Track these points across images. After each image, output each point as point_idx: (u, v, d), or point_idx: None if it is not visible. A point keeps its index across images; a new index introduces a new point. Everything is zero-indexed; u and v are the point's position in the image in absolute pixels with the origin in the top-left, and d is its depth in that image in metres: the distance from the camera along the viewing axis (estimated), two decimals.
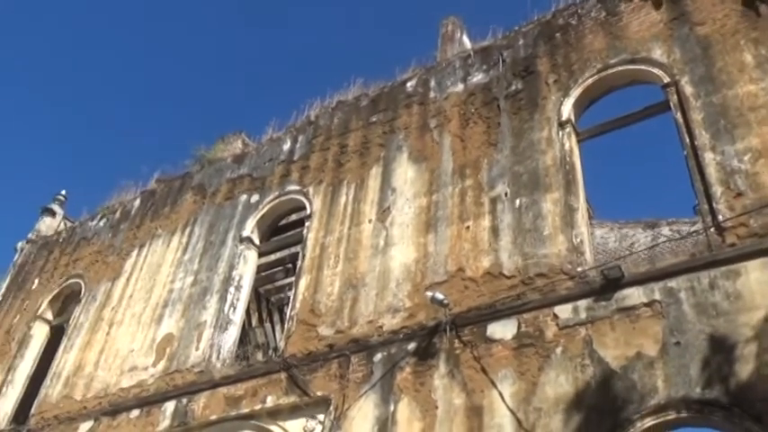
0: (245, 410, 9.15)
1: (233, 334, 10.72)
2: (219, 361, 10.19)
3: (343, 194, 10.88)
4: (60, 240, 15.32)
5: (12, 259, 15.87)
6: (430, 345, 8.18)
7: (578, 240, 8.05)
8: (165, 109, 47.98)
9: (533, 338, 7.53)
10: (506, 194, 9.01)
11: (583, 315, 7.39)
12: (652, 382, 6.59)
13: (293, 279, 10.97)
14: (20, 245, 16.05)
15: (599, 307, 7.35)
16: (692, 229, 11.16)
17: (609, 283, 7.37)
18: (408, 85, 11.68)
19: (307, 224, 11.00)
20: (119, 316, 12.14)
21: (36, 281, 14.62)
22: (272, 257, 13.54)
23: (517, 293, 8.00)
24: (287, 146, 12.62)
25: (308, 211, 11.16)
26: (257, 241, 11.85)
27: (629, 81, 9.36)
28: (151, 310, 11.75)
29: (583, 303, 7.47)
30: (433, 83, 11.36)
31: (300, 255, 10.65)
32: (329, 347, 9.03)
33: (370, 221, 10.16)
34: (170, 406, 9.95)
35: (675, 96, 8.45)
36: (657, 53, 8.99)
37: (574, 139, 9.12)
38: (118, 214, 14.57)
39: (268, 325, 15.15)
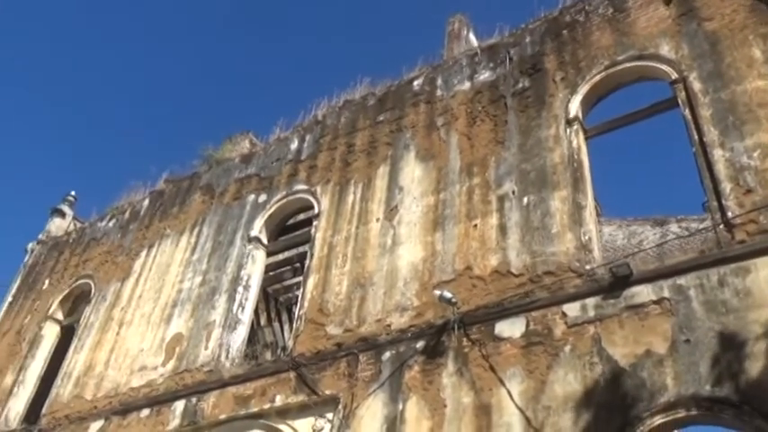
0: (255, 410, 9.18)
1: (242, 333, 10.76)
2: (228, 360, 10.23)
3: (351, 193, 10.89)
4: (70, 241, 15.42)
5: (22, 260, 15.99)
6: (438, 343, 8.18)
7: (586, 238, 8.02)
8: (173, 109, 48.18)
9: (542, 337, 7.51)
10: (514, 192, 9.00)
11: (591, 313, 7.37)
12: (661, 379, 6.56)
13: (301, 278, 10.99)
14: (30, 246, 16.16)
15: (607, 305, 7.32)
16: (701, 226, 11.11)
17: (617, 281, 7.34)
18: (415, 83, 11.67)
19: (314, 223, 11.02)
20: (128, 316, 12.21)
21: (46, 281, 14.72)
22: (281, 257, 13.58)
23: (525, 291, 7.98)
24: (294, 145, 12.65)
25: (316, 211, 11.18)
26: (265, 241, 11.88)
27: (637, 78, 9.31)
28: (160, 309, 11.81)
29: (591, 301, 7.44)
30: (439, 81, 11.35)
31: (308, 254, 10.67)
32: (338, 346, 9.05)
33: (377, 220, 10.16)
34: (180, 405, 10.00)
35: (684, 93, 8.41)
36: (665, 49, 8.94)
37: (581, 136, 9.09)
38: (127, 215, 14.65)
39: (276, 324, 15.19)
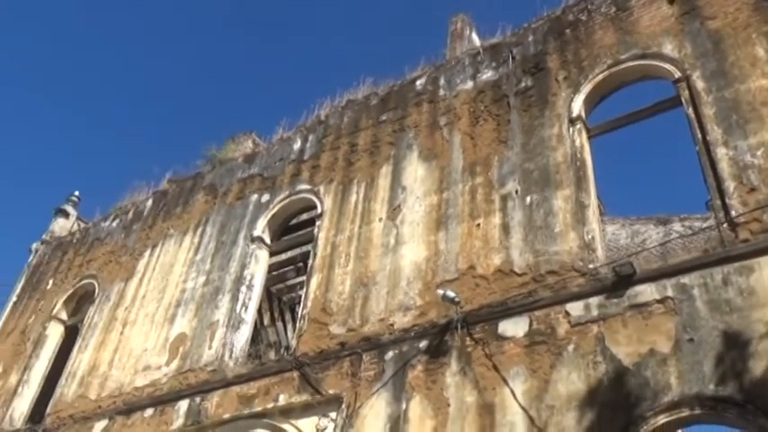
0: (258, 409, 9.19)
1: (245, 333, 10.78)
2: (232, 360, 10.25)
3: (354, 193, 10.90)
4: (74, 241, 15.46)
5: (26, 260, 16.05)
6: (441, 342, 8.18)
7: (590, 237, 8.01)
8: (176, 109, 48.25)
9: (545, 336, 7.51)
10: (517, 192, 8.99)
11: (595, 312, 7.36)
12: (665, 379, 6.55)
13: (304, 278, 11.01)
14: (34, 246, 16.21)
15: (611, 304, 7.31)
16: (705, 224, 11.10)
17: (621, 280, 7.34)
18: (418, 83, 11.67)
19: (317, 223, 11.03)
20: (132, 316, 12.23)
21: (50, 281, 14.76)
22: (284, 257, 13.59)
23: (528, 291, 7.98)
24: (297, 145, 12.66)
25: (319, 210, 11.19)
26: (268, 240, 11.90)
27: (640, 76, 9.30)
28: (164, 309, 11.84)
29: (594, 300, 7.44)
30: (442, 81, 11.34)
31: (311, 254, 10.68)
32: (341, 346, 9.06)
33: (380, 220, 10.17)
34: (183, 405, 10.02)
35: (687, 91, 8.39)
36: (668, 48, 8.93)
37: (584, 135, 9.08)
38: (130, 215, 14.68)
39: (280, 324, 15.20)
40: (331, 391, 8.65)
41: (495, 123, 9.99)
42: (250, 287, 11.24)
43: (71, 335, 13.43)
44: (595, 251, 7.90)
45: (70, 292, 14.09)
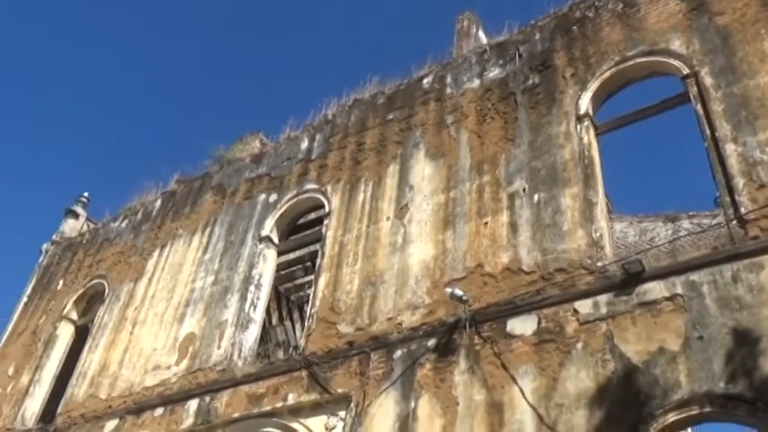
0: (267, 408, 9.22)
1: (254, 332, 10.82)
2: (241, 359, 10.29)
3: (361, 192, 10.91)
4: (84, 242, 15.55)
5: (37, 261, 16.15)
6: (450, 341, 8.18)
7: (598, 235, 7.99)
8: (184, 110, 48.41)
9: (554, 334, 7.49)
10: (524, 190, 8.97)
11: (603, 310, 7.34)
12: (675, 376, 6.53)
13: (312, 277, 11.03)
14: (44, 246, 16.32)
15: (620, 302, 7.29)
16: (714, 221, 11.05)
17: (630, 278, 7.31)
18: (424, 81, 11.67)
19: (325, 222, 11.05)
20: (142, 315, 12.29)
21: (61, 282, 14.86)
22: (292, 256, 13.63)
23: (537, 289, 7.97)
24: (305, 145, 12.68)
25: (327, 210, 11.20)
26: (276, 240, 11.93)
27: (648, 73, 9.25)
28: (173, 309, 11.89)
29: (603, 298, 7.42)
30: (449, 79, 11.33)
31: (319, 253, 10.70)
32: (349, 345, 9.07)
33: (388, 219, 10.17)
34: (193, 404, 10.07)
35: (695, 88, 8.35)
36: (676, 44, 8.89)
37: (592, 132, 9.05)
38: (139, 215, 14.75)
39: (288, 323, 15.24)
40: (340, 390, 8.67)
41: (503, 121, 9.97)
42: (258, 286, 11.28)
43: (81, 335, 13.51)
44: (604, 249, 7.88)
45: (80, 292, 14.17)
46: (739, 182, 7.34)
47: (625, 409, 6.60)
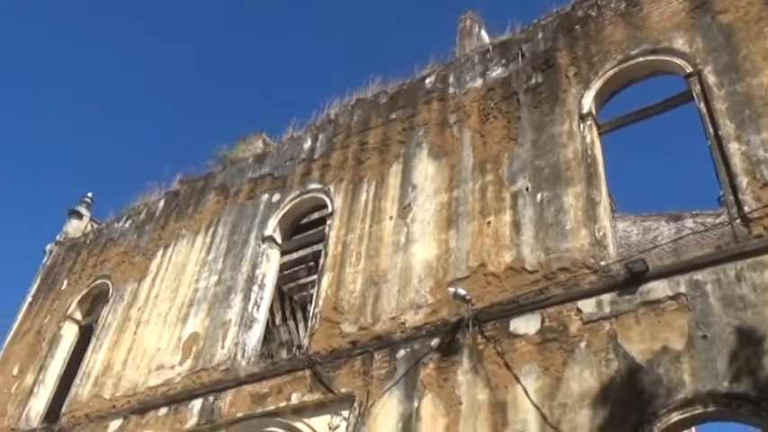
0: (271, 408, 9.24)
1: (257, 332, 10.83)
2: (245, 359, 10.30)
3: (364, 192, 10.91)
4: (87, 242, 15.59)
5: (41, 261, 16.19)
6: (453, 340, 8.18)
7: (601, 234, 7.98)
8: (186, 110, 48.48)
9: (557, 333, 7.49)
10: (527, 189, 8.97)
11: (607, 309, 7.33)
12: (678, 376, 6.51)
13: (316, 277, 11.04)
14: (48, 247, 16.36)
15: (623, 301, 7.28)
16: (718, 220, 11.02)
17: (633, 277, 7.30)
18: (427, 81, 11.66)
19: (328, 222, 11.05)
20: (145, 315, 12.32)
21: (65, 282, 14.90)
22: (295, 256, 13.63)
23: (540, 288, 7.96)
24: (307, 144, 12.69)
25: (330, 209, 11.21)
26: (279, 240, 11.94)
27: (651, 72, 9.24)
28: (177, 309, 11.91)
29: (606, 297, 7.41)
30: (451, 78, 11.33)
31: (323, 253, 10.71)
32: (352, 344, 9.07)
33: (391, 218, 10.17)
34: (197, 404, 10.09)
35: (698, 86, 8.33)
36: (679, 43, 8.87)
37: (595, 131, 9.04)
38: (143, 215, 14.78)
39: (292, 323, 15.24)
40: (343, 390, 8.67)
41: (506, 121, 9.96)
42: (262, 286, 11.29)
43: (85, 335, 13.55)
44: (607, 248, 7.87)
45: (84, 292, 14.21)
46: (743, 180, 7.32)
47: (629, 408, 6.59)
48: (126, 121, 47.33)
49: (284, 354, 13.17)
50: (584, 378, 7.01)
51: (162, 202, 14.68)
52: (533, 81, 10.09)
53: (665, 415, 6.38)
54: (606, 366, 6.95)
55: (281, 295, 14.91)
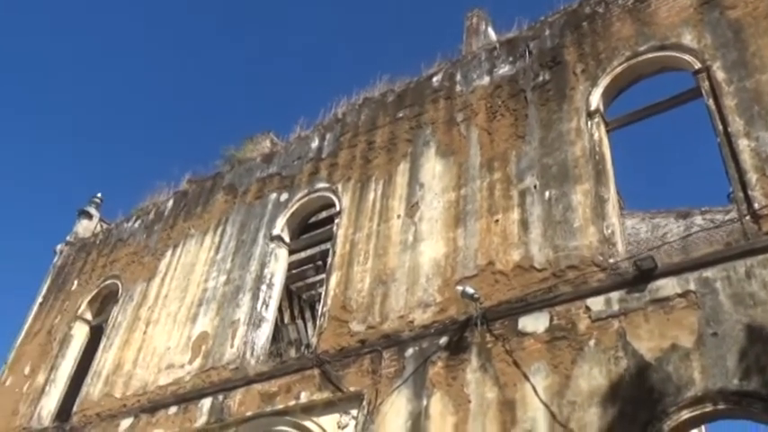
0: (280, 406, 9.27)
1: (266, 331, 10.87)
2: (254, 358, 10.34)
3: (372, 191, 10.92)
4: (97, 242, 15.68)
5: (51, 261, 16.30)
6: (461, 339, 8.17)
7: (609, 231, 7.95)
8: (194, 110, 48.65)
9: (566, 331, 7.47)
10: (535, 187, 8.95)
11: (616, 307, 7.31)
12: (688, 373, 6.49)
13: (324, 276, 11.06)
14: (59, 247, 16.47)
15: (632, 298, 7.25)
16: (727, 217, 10.96)
17: (642, 274, 7.27)
18: (434, 79, 11.65)
19: (336, 221, 11.07)
20: (155, 315, 12.39)
21: (75, 282, 14.99)
22: (303, 255, 13.66)
23: (548, 286, 7.94)
24: (315, 144, 12.71)
25: (338, 209, 11.23)
26: (287, 239, 11.97)
27: (659, 68, 9.19)
28: (186, 308, 11.97)
29: (615, 295, 7.38)
30: (458, 76, 11.31)
31: (330, 252, 10.73)
32: (361, 343, 9.09)
33: (398, 217, 10.18)
34: (207, 402, 10.13)
35: (707, 82, 8.28)
36: (688, 39, 8.82)
37: (603, 128, 9.00)
38: (152, 215, 14.85)
39: (300, 322, 15.29)
40: (352, 389, 8.69)
41: (513, 118, 9.94)
42: (270, 285, 11.33)
43: (96, 334, 13.63)
44: (615, 245, 7.84)
45: (94, 292, 14.29)
46: (752, 177, 7.28)
47: (638, 406, 6.57)
48: (135, 121, 47.58)
49: (293, 353, 13.20)
50: (593, 376, 6.99)
51: (171, 202, 14.74)
52: (541, 78, 10.06)
53: (674, 413, 6.35)
54: (615, 364, 6.93)
55: (289, 294, 14.96)
